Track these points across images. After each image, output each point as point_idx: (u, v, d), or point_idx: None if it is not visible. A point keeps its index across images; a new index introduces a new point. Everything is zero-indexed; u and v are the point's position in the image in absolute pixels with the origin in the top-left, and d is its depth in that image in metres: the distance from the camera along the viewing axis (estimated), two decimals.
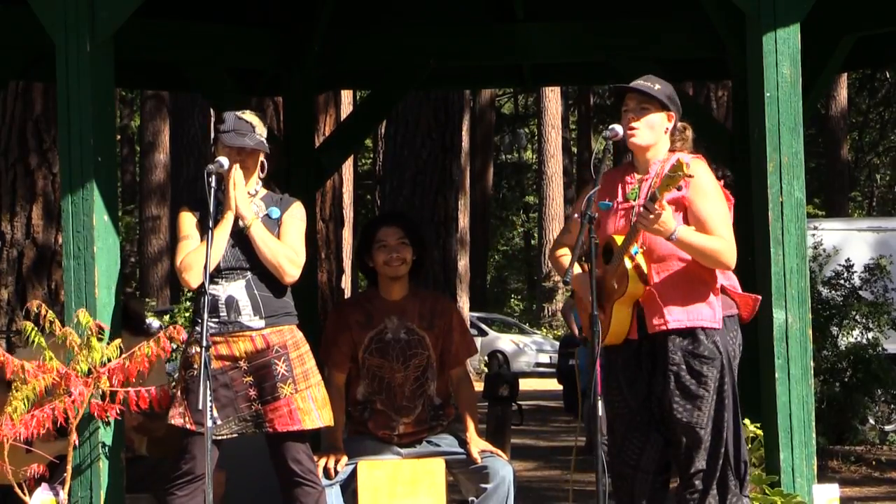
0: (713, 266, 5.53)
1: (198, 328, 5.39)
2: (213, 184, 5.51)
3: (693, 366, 5.47)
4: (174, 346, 5.57)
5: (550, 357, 28.40)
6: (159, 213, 28.48)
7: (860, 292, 13.45)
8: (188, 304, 17.50)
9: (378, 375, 6.28)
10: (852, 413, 12.90)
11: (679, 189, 5.36)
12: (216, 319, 5.54)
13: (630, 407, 5.60)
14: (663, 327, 5.50)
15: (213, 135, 5.79)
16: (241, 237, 5.60)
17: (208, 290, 5.45)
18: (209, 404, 5.24)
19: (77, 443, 5.54)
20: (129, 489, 5.78)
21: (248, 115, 5.68)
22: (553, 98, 34.11)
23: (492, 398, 11.31)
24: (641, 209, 5.37)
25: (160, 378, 6.24)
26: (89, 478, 5.60)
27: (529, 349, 29.86)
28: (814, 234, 13.47)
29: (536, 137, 38.03)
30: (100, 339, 5.53)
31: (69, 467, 5.54)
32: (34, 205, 11.00)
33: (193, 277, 5.52)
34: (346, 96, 20.83)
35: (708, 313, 5.53)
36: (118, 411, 5.54)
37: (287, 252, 5.60)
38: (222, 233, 5.55)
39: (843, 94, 31.37)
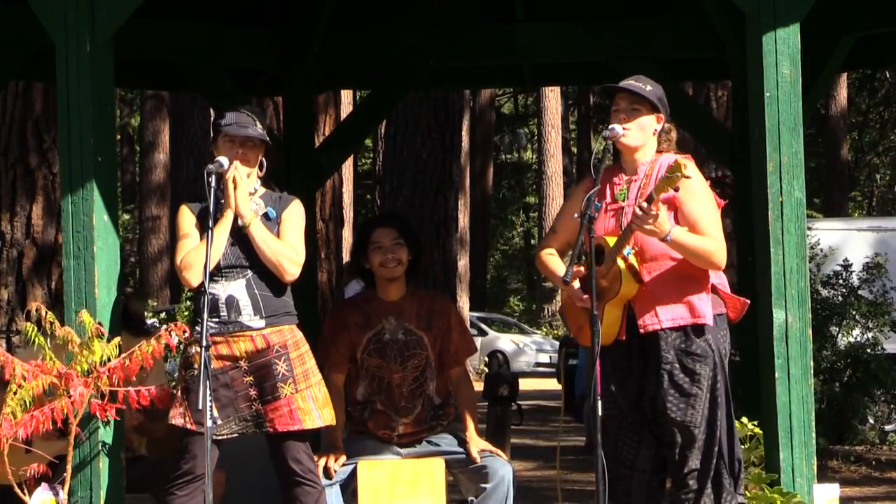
0: (704, 266, 5.54)
1: (198, 328, 5.39)
2: (213, 183, 5.52)
3: (686, 364, 5.48)
4: (177, 342, 5.56)
5: (550, 357, 28.42)
6: (159, 212, 28.48)
7: (859, 292, 13.45)
8: (188, 303, 17.51)
9: (377, 376, 6.28)
10: (852, 413, 12.89)
11: (676, 190, 5.36)
12: (216, 319, 5.54)
13: (621, 408, 5.59)
14: (656, 327, 5.51)
15: (212, 134, 5.78)
16: (240, 235, 5.60)
17: (208, 289, 5.45)
18: (209, 404, 5.24)
19: (77, 443, 5.54)
20: (129, 489, 5.78)
21: (249, 111, 5.70)
22: (553, 98, 34.12)
23: (492, 398, 11.29)
24: (637, 210, 5.36)
25: (160, 378, 6.24)
26: (89, 478, 5.60)
27: (529, 349, 29.87)
28: (809, 235, 13.47)
29: (536, 137, 38.04)
30: (100, 338, 5.52)
31: (69, 467, 5.54)
32: (34, 205, 11.00)
33: (193, 276, 5.52)
34: (346, 96, 20.85)
35: (700, 311, 5.54)
36: (117, 411, 5.54)
37: (287, 251, 5.60)
38: (222, 231, 5.55)
39: (843, 94, 31.37)
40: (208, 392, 5.21)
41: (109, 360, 5.51)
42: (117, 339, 5.58)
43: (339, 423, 6.09)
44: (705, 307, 5.55)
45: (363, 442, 6.30)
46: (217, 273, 5.55)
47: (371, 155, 30.87)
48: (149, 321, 15.42)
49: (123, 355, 5.52)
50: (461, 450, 6.26)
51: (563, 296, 5.88)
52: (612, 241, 5.53)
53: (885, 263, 13.75)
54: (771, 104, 5.53)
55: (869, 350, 12.92)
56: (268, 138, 5.73)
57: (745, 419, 5.83)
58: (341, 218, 14.25)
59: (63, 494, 5.56)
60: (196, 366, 5.40)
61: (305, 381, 5.63)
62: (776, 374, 5.49)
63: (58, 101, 5.76)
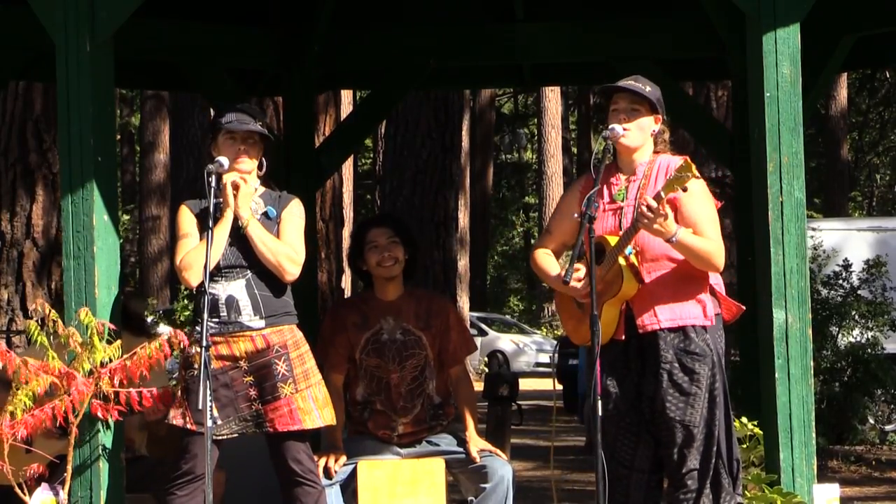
0: (703, 268, 5.54)
1: (198, 328, 5.39)
2: (213, 183, 5.52)
3: (685, 363, 5.48)
4: (174, 352, 5.56)
5: (550, 357, 28.41)
6: (159, 213, 28.47)
7: (859, 292, 13.45)
8: (185, 302, 17.53)
9: (376, 376, 6.28)
10: (852, 413, 12.90)
11: (685, 190, 5.36)
12: (216, 319, 5.54)
13: (618, 408, 5.59)
14: (655, 327, 5.50)
15: (211, 133, 5.77)
16: (240, 236, 5.60)
17: (208, 289, 5.45)
18: (209, 404, 5.24)
19: (77, 443, 5.54)
20: (129, 489, 5.78)
21: (248, 109, 5.72)
22: (553, 98, 34.12)
23: (492, 398, 11.29)
24: (644, 210, 5.35)
25: (160, 379, 6.24)
26: (89, 478, 5.60)
27: (529, 349, 29.88)
28: (812, 236, 13.47)
29: (536, 137, 38.04)
30: (108, 341, 5.52)
31: (69, 467, 5.54)
32: (34, 205, 11.01)
33: (193, 276, 5.52)
34: (346, 96, 20.84)
35: (699, 311, 5.54)
36: (119, 412, 5.54)
37: (286, 250, 5.60)
38: (222, 231, 5.55)
39: (843, 94, 31.36)
40: (208, 392, 5.21)
41: (111, 360, 5.51)
42: (118, 342, 5.58)
43: (338, 423, 6.09)
44: (704, 308, 5.55)
45: (363, 442, 6.30)
46: (217, 273, 5.55)
47: (371, 155, 30.88)
48: (160, 328, 15.45)
49: (125, 356, 5.52)
50: (461, 450, 6.26)
51: (556, 296, 5.88)
52: (612, 240, 5.53)
53: (885, 264, 13.75)
54: (771, 104, 5.53)
55: (869, 350, 12.93)
56: (269, 133, 5.74)
57: (744, 419, 5.83)
58: (341, 218, 14.24)
59: (63, 494, 5.56)
60: (196, 366, 5.40)
61: (305, 381, 5.63)
62: (776, 374, 5.49)
63: (58, 101, 5.76)
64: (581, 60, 8.93)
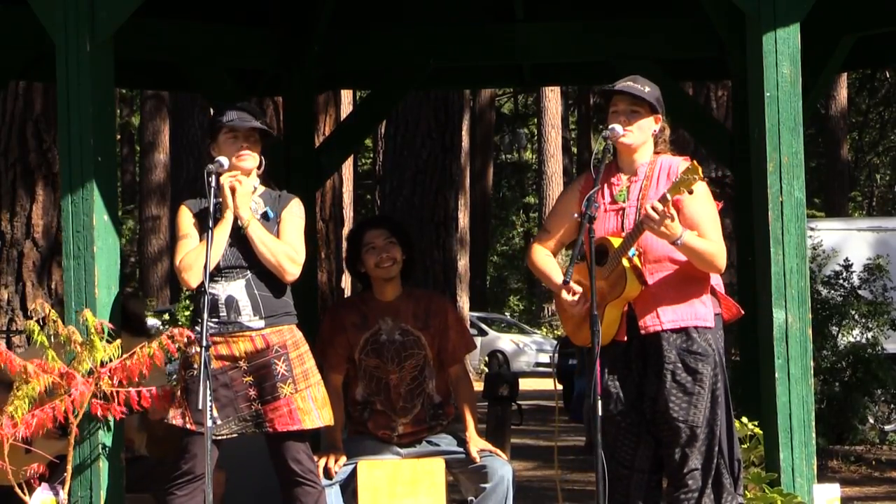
0: (705, 269, 5.54)
1: (198, 328, 5.39)
2: (214, 183, 5.52)
3: (688, 363, 5.48)
4: (178, 347, 5.55)
5: (550, 357, 28.40)
6: (159, 213, 28.49)
7: (859, 292, 13.45)
8: (187, 302, 17.52)
9: (375, 376, 6.28)
10: (852, 413, 12.89)
11: (691, 192, 5.36)
12: (216, 319, 5.53)
13: (619, 409, 5.58)
14: (657, 328, 5.50)
15: (210, 132, 5.77)
16: (240, 236, 5.59)
17: (208, 289, 5.45)
18: (209, 404, 5.24)
19: (77, 443, 5.54)
20: (129, 489, 5.79)
21: (248, 108, 5.72)
22: (553, 98, 34.12)
23: (492, 398, 11.29)
24: (651, 212, 5.34)
25: (159, 378, 6.24)
26: (89, 478, 5.60)
27: (529, 349, 29.87)
28: (811, 236, 13.47)
29: (536, 137, 38.04)
30: (108, 341, 5.52)
31: (69, 467, 5.54)
32: (34, 205, 11.01)
33: (193, 277, 5.52)
34: (346, 96, 20.84)
35: (701, 312, 5.54)
36: (121, 412, 5.53)
37: (287, 250, 5.60)
38: (222, 232, 5.55)
39: (843, 94, 31.36)
40: (208, 392, 5.21)
41: (111, 360, 5.51)
42: (118, 341, 5.58)
43: (338, 423, 6.09)
44: (706, 308, 5.56)
45: (363, 442, 6.30)
46: (217, 273, 5.55)
47: (371, 155, 30.87)
48: (150, 321, 15.44)
49: (125, 356, 5.52)
50: (461, 450, 6.26)
51: (556, 296, 5.87)
52: (615, 241, 5.52)
53: (886, 264, 13.75)
54: (771, 104, 5.53)
55: (869, 350, 12.93)
56: (270, 130, 5.75)
57: (745, 419, 5.83)
58: (341, 218, 14.24)
59: (63, 494, 5.56)
60: (196, 366, 5.40)
61: (305, 381, 5.63)
62: (776, 374, 5.49)
63: (58, 101, 5.76)
64: (581, 60, 8.93)
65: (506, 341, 29.97)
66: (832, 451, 12.60)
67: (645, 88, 5.59)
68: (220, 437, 5.56)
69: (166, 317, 17.85)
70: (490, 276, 42.50)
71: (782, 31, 5.53)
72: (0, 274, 10.97)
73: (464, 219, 23.51)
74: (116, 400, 5.50)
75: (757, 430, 5.76)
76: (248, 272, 5.60)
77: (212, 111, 7.82)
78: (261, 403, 5.60)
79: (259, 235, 5.57)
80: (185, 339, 5.46)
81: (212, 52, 8.03)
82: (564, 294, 5.56)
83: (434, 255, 14.87)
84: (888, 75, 33.81)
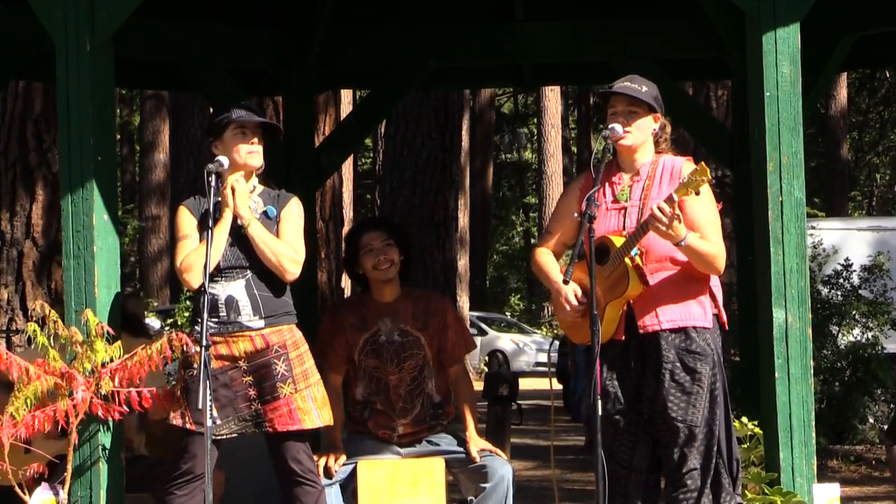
0: (706, 270, 5.54)
1: (197, 328, 5.39)
2: (214, 183, 5.52)
3: (687, 362, 5.48)
4: (174, 355, 5.55)
5: (547, 354, 28.40)
6: (159, 212, 28.49)
7: (860, 291, 13.45)
8: (188, 303, 17.51)
9: (375, 376, 6.29)
10: (852, 413, 12.90)
11: (697, 194, 5.36)
12: (216, 319, 5.53)
13: (617, 408, 5.58)
14: (656, 327, 5.50)
15: (211, 131, 5.77)
16: (240, 236, 5.59)
17: (208, 289, 5.45)
18: (209, 404, 5.24)
19: (77, 443, 5.54)
20: (128, 489, 5.79)
21: (249, 107, 5.73)
22: (553, 98, 34.10)
23: (491, 398, 11.31)
24: (658, 213, 5.34)
25: (158, 378, 6.24)
26: (89, 478, 5.60)
27: (529, 349, 29.87)
28: (812, 234, 13.47)
29: (536, 137, 38.03)
30: (109, 341, 5.52)
31: (69, 467, 5.54)
32: (34, 205, 11.02)
33: (194, 278, 5.51)
34: (346, 96, 20.85)
35: (699, 312, 5.55)
36: (121, 412, 5.53)
37: (287, 250, 5.60)
38: (221, 232, 5.54)
39: (843, 93, 31.36)
40: (208, 392, 5.21)
41: (112, 360, 5.51)
42: (119, 342, 5.58)
43: (338, 423, 6.09)
44: (704, 309, 5.56)
45: (363, 442, 6.30)
46: (217, 273, 5.55)
47: (371, 155, 30.88)
48: (154, 323, 15.44)
49: (125, 357, 5.52)
50: (461, 449, 6.26)
51: (552, 293, 5.87)
52: (617, 240, 5.51)
53: (887, 262, 13.76)
54: (771, 104, 5.53)
55: (869, 349, 12.93)
56: (278, 126, 5.77)
57: (744, 419, 5.83)
58: (341, 218, 14.25)
59: (63, 494, 5.56)
60: (195, 365, 5.39)
61: (305, 381, 5.63)
62: (776, 374, 5.49)
63: (58, 101, 5.76)
64: (581, 60, 8.93)
65: (506, 341, 29.96)
66: (832, 451, 12.60)
67: (642, 88, 5.59)
68: (219, 437, 5.55)
69: (170, 320, 17.84)
70: (490, 276, 42.50)
71: (782, 31, 5.53)
72: (0, 274, 10.97)
73: (464, 219, 23.51)
74: (117, 400, 5.50)
75: (757, 429, 5.76)
76: (249, 272, 5.60)
77: (211, 110, 7.82)
78: (260, 403, 5.59)
79: (260, 235, 5.57)
80: (183, 346, 5.45)
81: (212, 52, 8.03)
82: (569, 297, 5.53)
83: (434, 255, 14.87)
84: (888, 75, 33.81)
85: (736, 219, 8.49)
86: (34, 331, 5.48)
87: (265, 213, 5.67)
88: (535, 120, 37.67)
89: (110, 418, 5.53)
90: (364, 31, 8.39)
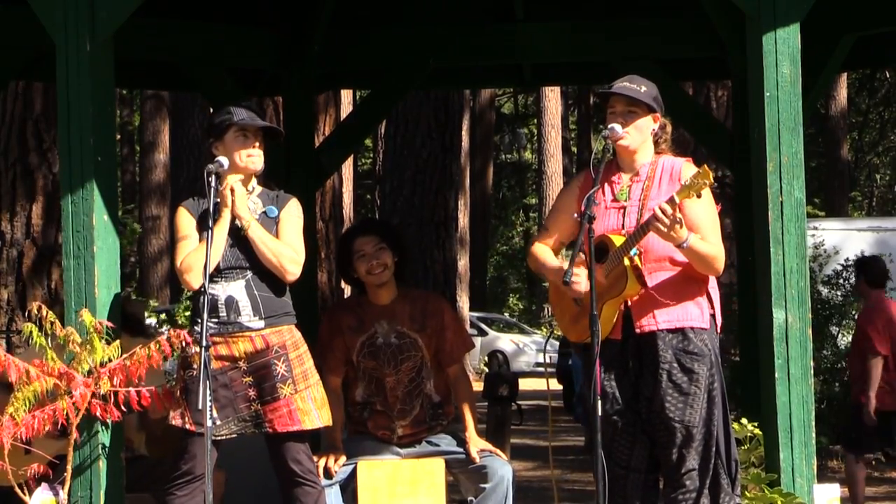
0: (705, 272, 5.54)
1: (197, 328, 5.39)
2: (213, 183, 5.51)
3: (684, 363, 5.48)
4: (174, 352, 5.54)
5: (550, 357, 28.40)
6: (159, 213, 28.47)
7: None
8: (188, 303, 17.50)
9: (375, 377, 6.29)
10: None
11: (699, 196, 5.35)
12: (216, 319, 5.53)
13: (615, 408, 5.58)
14: (653, 327, 5.50)
15: (212, 131, 5.76)
16: (239, 237, 5.59)
17: (208, 289, 5.45)
18: (209, 404, 5.23)
19: (77, 443, 5.54)
20: (128, 489, 5.78)
21: (249, 107, 5.72)
22: (553, 98, 34.09)
23: (491, 398, 11.31)
24: (659, 214, 5.33)
25: (157, 378, 6.24)
26: (89, 478, 5.60)
27: (529, 349, 29.86)
28: (813, 235, 13.47)
29: (536, 137, 38.02)
30: (108, 341, 5.51)
31: (69, 467, 5.54)
32: (34, 205, 11.01)
33: (194, 279, 5.51)
34: (346, 96, 20.83)
35: (697, 313, 5.55)
36: (119, 412, 5.53)
37: (287, 251, 5.60)
38: (221, 232, 5.54)
39: (843, 94, 31.34)
40: (208, 392, 5.21)
41: (111, 360, 5.51)
42: (118, 342, 5.58)
43: (337, 423, 6.09)
44: (701, 309, 5.56)
45: (363, 442, 6.30)
46: (217, 274, 5.55)
47: (371, 155, 30.87)
48: (150, 321, 15.43)
49: (124, 356, 5.52)
50: (461, 450, 6.26)
51: (551, 292, 5.87)
52: (616, 239, 5.51)
53: (888, 263, 13.74)
54: (771, 104, 5.53)
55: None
56: (279, 129, 5.78)
57: (744, 420, 5.83)
58: (341, 218, 14.25)
59: (63, 494, 5.56)
60: (195, 366, 5.39)
61: (304, 382, 5.63)
62: (776, 374, 5.49)
63: (58, 101, 5.76)
64: (581, 60, 8.93)
65: (506, 341, 29.95)
66: (832, 451, 12.59)
67: (641, 88, 5.58)
68: (219, 438, 5.55)
69: (163, 316, 17.84)
70: (490, 276, 42.49)
71: (782, 31, 5.53)
72: (0, 274, 10.97)
73: (464, 219, 23.51)
74: (116, 400, 5.50)
75: (757, 430, 5.76)
76: (248, 272, 5.59)
77: (212, 111, 7.83)
78: (260, 404, 5.59)
79: (260, 236, 5.57)
80: (182, 343, 5.45)
81: (212, 52, 8.02)
82: (574, 283, 5.49)
83: (434, 255, 14.87)
84: (888, 75, 33.81)
85: (736, 219, 8.49)
86: (31, 331, 5.48)
87: (265, 213, 5.67)
88: (535, 120, 37.66)
89: (110, 418, 5.53)
90: (364, 31, 8.39)
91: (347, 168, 20.96)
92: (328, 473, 6.08)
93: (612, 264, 5.49)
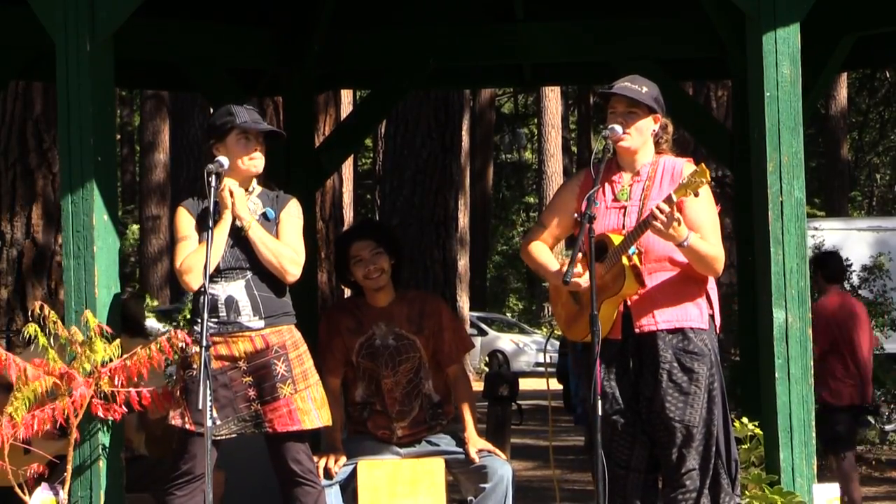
0: (704, 272, 5.54)
1: (197, 328, 5.39)
2: (214, 183, 5.51)
3: (684, 362, 5.48)
4: (175, 353, 5.54)
5: (550, 357, 28.39)
6: (159, 213, 28.48)
7: (859, 291, 13.44)
8: (190, 304, 17.51)
9: (374, 378, 6.29)
10: None
11: (696, 195, 5.35)
12: (216, 319, 5.53)
13: (614, 409, 5.58)
14: (653, 328, 5.50)
15: (212, 132, 5.76)
16: (239, 237, 5.59)
17: (208, 289, 5.45)
18: (209, 404, 5.23)
19: (77, 443, 5.54)
20: (128, 489, 5.78)
21: (250, 107, 5.72)
22: (553, 98, 34.09)
23: (492, 398, 11.29)
24: (658, 213, 5.34)
25: (157, 379, 6.24)
26: (89, 478, 5.60)
27: (529, 349, 29.86)
28: (813, 235, 13.47)
29: (536, 137, 38.02)
30: (109, 341, 5.52)
31: (69, 467, 5.54)
32: (34, 205, 11.01)
33: (194, 279, 5.51)
34: (346, 96, 20.82)
35: (696, 313, 5.55)
36: (121, 412, 5.53)
37: (287, 252, 5.60)
38: (221, 232, 5.54)
39: (843, 94, 31.35)
40: (208, 392, 5.21)
41: (111, 360, 5.51)
42: (118, 341, 5.58)
43: (337, 423, 6.09)
44: (700, 310, 5.56)
45: (363, 442, 6.30)
46: (217, 274, 5.55)
47: (371, 155, 30.87)
48: (159, 325, 15.44)
49: (124, 356, 5.52)
50: (460, 450, 6.26)
51: (550, 291, 5.87)
52: (615, 238, 5.51)
53: (887, 263, 13.75)
54: (771, 104, 5.53)
55: None
56: (282, 133, 5.79)
57: (745, 419, 5.83)
58: (341, 218, 14.23)
59: (63, 494, 5.56)
60: (195, 366, 5.39)
61: (304, 382, 5.63)
62: (776, 374, 5.49)
63: (58, 101, 5.76)
64: (581, 60, 8.93)
65: (506, 341, 29.95)
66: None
67: (642, 89, 5.58)
68: (219, 438, 5.55)
69: (181, 320, 17.80)
70: (490, 276, 42.48)
71: (782, 31, 5.53)
72: (0, 274, 10.96)
73: (464, 219, 23.50)
74: (116, 400, 5.50)
75: (757, 430, 5.76)
76: (248, 273, 5.60)
77: (212, 110, 7.83)
78: (260, 404, 5.59)
79: (260, 237, 5.57)
80: (183, 344, 5.45)
81: (212, 52, 8.03)
82: (575, 278, 5.49)
83: (434, 255, 14.86)
84: (888, 75, 33.80)
85: (736, 219, 8.49)
86: (35, 331, 5.48)
87: (264, 214, 5.67)
88: (535, 120, 37.66)
89: (110, 418, 5.53)
90: (364, 31, 8.39)
91: (347, 168, 20.96)
92: (328, 474, 6.08)
93: (610, 263, 5.50)
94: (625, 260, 5.47)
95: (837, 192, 31.43)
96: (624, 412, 5.56)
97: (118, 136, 34.53)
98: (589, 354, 5.38)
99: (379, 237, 6.31)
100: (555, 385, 17.95)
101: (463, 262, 23.47)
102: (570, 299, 5.69)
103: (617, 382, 5.57)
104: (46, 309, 5.49)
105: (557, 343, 18.06)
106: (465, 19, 8.53)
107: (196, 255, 5.51)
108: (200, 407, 5.18)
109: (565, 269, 5.47)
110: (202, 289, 5.45)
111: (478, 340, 26.45)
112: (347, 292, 15.09)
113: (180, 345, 5.46)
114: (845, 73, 28.39)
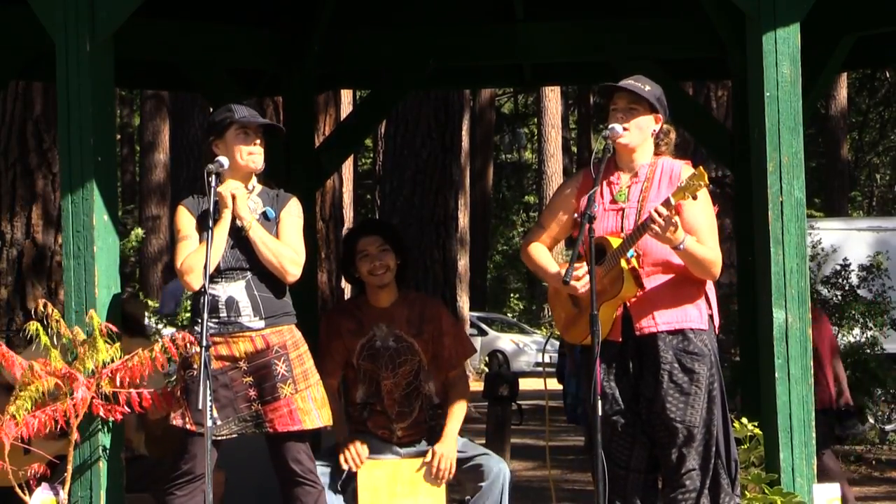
0: (701, 275, 5.55)
1: (197, 328, 5.39)
2: (214, 183, 5.51)
3: (685, 363, 5.48)
4: (179, 353, 5.53)
5: (550, 357, 28.38)
6: (159, 213, 28.46)
7: (859, 291, 13.45)
8: (188, 303, 17.49)
9: (374, 379, 6.29)
10: None
11: (695, 198, 5.35)
12: (216, 320, 5.53)
13: (614, 409, 5.58)
14: (653, 329, 5.50)
15: (212, 130, 5.76)
16: (240, 238, 5.59)
17: (208, 289, 5.45)
18: (209, 404, 5.23)
19: (77, 443, 5.54)
20: (128, 489, 5.78)
21: (253, 105, 5.73)
22: (553, 98, 34.07)
23: (491, 398, 11.28)
24: (655, 216, 5.34)
25: (157, 379, 6.24)
26: (89, 478, 5.60)
27: (529, 349, 29.86)
28: (811, 234, 13.47)
29: (536, 137, 38.01)
30: (111, 341, 5.52)
31: (69, 467, 5.54)
32: (34, 205, 11.00)
33: (195, 279, 5.51)
34: (346, 96, 20.83)
35: (696, 314, 5.55)
36: (122, 412, 5.53)
37: (288, 252, 5.60)
38: (221, 233, 5.54)
39: (843, 94, 31.33)
40: (208, 392, 5.21)
41: (112, 360, 5.51)
42: (118, 342, 5.58)
43: (340, 419, 6.09)
44: (700, 311, 5.56)
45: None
46: (217, 275, 5.55)
47: (371, 155, 30.87)
48: (156, 324, 15.42)
49: (125, 357, 5.52)
50: (460, 449, 6.26)
51: (549, 292, 5.87)
52: (614, 241, 5.51)
53: (885, 262, 13.75)
54: (771, 104, 5.53)
55: (868, 350, 12.92)
56: (280, 127, 5.80)
57: (745, 419, 5.83)
58: (341, 218, 14.24)
59: (63, 494, 5.56)
60: (196, 366, 5.39)
61: (305, 382, 5.63)
62: (776, 374, 5.49)
63: (58, 101, 5.76)
64: (581, 60, 8.93)
65: (506, 341, 29.95)
66: (832, 451, 12.58)
67: (645, 87, 5.59)
68: (219, 438, 5.55)
69: (185, 319, 17.76)
70: (490, 276, 42.48)
71: (782, 31, 5.53)
72: (0, 274, 10.96)
73: (464, 219, 23.50)
74: (118, 401, 5.50)
75: (757, 430, 5.76)
76: (249, 273, 5.60)
77: (212, 110, 7.82)
78: (261, 404, 5.59)
79: (261, 237, 5.57)
80: (186, 344, 5.45)
81: (212, 52, 8.03)
82: (573, 282, 5.49)
83: (434, 255, 14.86)
84: (888, 75, 33.79)
85: (736, 219, 8.49)
86: (37, 329, 5.48)
87: (264, 214, 5.67)
88: (535, 120, 37.64)
89: (111, 418, 5.53)
90: (364, 31, 8.39)
91: (347, 168, 20.97)
92: (360, 459, 6.06)
93: (608, 265, 5.50)
94: (623, 263, 5.47)
95: (837, 192, 31.41)
96: (624, 413, 5.56)
97: (118, 136, 34.52)
98: (589, 356, 5.38)
99: (387, 235, 6.32)
100: (554, 385, 17.96)
101: (463, 263, 23.46)
102: (569, 302, 5.69)
103: (616, 383, 5.57)
104: (49, 307, 5.49)
105: (557, 343, 18.07)
106: (465, 19, 8.53)
107: (197, 255, 5.51)
108: (200, 407, 5.18)
109: (564, 270, 5.48)
110: (203, 289, 5.45)
111: (478, 340, 26.44)
112: (348, 292, 15.08)
113: (182, 347, 5.45)
114: (845, 73, 28.39)
